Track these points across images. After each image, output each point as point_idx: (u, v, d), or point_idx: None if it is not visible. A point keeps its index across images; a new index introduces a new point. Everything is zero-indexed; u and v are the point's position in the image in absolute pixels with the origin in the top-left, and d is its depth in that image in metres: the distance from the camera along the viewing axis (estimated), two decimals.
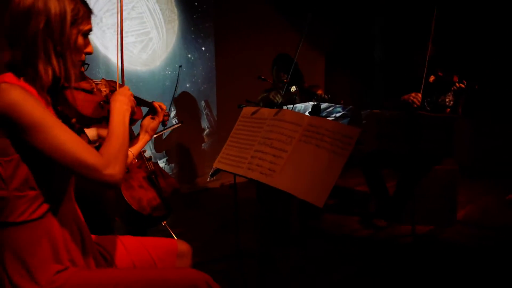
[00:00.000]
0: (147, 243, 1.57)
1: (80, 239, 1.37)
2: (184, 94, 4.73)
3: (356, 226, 3.53)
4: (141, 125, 1.64)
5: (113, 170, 1.19)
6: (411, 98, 3.26)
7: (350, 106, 2.91)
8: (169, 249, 1.58)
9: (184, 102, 4.75)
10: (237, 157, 1.95)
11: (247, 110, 2.10)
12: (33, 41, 1.20)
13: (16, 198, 1.20)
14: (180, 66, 4.46)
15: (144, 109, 1.67)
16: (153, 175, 2.73)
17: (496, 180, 4.67)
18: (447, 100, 3.32)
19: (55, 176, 1.26)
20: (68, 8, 1.23)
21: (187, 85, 4.73)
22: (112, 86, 1.51)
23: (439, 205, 3.40)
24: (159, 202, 2.62)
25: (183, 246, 1.62)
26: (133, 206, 2.45)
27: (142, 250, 1.54)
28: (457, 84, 3.27)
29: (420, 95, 3.24)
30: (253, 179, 1.79)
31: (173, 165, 4.70)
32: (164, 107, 1.66)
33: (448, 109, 3.36)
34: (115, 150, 1.24)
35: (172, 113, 4.66)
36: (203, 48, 4.79)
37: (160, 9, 4.40)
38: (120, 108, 1.35)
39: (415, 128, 2.77)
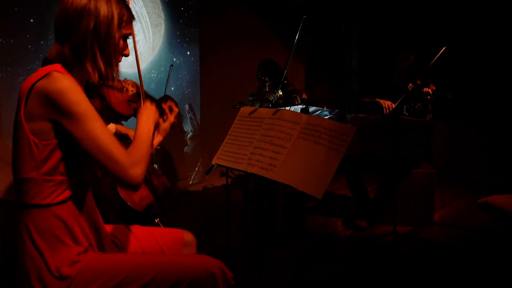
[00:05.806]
0: (155, 232, 1.64)
1: (94, 226, 1.43)
2: (168, 97, 4.78)
3: (338, 226, 3.65)
4: None
5: (137, 171, 1.27)
6: (386, 104, 3.42)
7: (336, 110, 3.03)
8: (176, 238, 1.65)
9: None
10: (237, 154, 2.03)
11: (245, 110, 2.19)
12: (83, 40, 1.28)
13: (44, 182, 1.26)
14: (172, 66, 4.52)
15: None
16: (147, 173, 2.78)
17: (467, 185, 4.92)
18: (416, 107, 3.50)
19: (83, 166, 1.34)
20: (115, 12, 1.32)
21: (172, 89, 4.78)
22: (137, 88, 1.58)
23: (417, 207, 3.56)
24: (152, 200, 2.68)
25: (188, 236, 1.70)
26: (128, 203, 2.50)
27: (150, 238, 1.61)
28: (424, 90, 3.42)
29: (393, 106, 3.40)
30: (254, 174, 1.87)
31: (155, 167, 4.73)
32: (175, 109, 1.73)
33: (425, 115, 3.53)
34: (141, 155, 1.32)
35: None
36: (188, 53, 4.86)
37: (147, 13, 4.46)
38: (147, 120, 1.42)
39: (398, 132, 2.90)
